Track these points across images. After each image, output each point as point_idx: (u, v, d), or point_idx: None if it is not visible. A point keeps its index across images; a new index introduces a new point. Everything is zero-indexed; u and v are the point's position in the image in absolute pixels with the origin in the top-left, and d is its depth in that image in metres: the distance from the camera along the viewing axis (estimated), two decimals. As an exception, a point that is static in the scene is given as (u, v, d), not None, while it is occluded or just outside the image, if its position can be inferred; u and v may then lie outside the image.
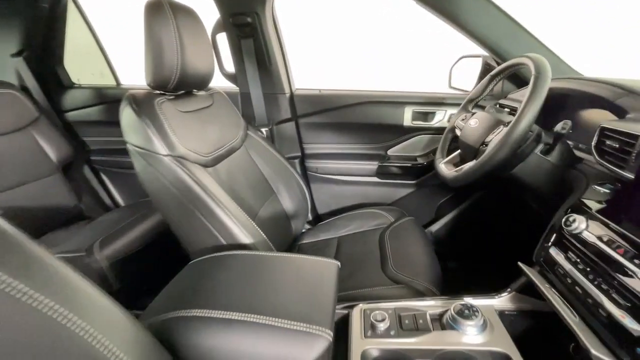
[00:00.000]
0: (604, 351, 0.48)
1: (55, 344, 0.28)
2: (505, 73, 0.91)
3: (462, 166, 0.88)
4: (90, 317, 0.31)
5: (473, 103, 1.03)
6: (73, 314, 0.29)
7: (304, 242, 1.22)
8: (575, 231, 0.58)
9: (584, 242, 0.56)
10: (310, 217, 1.33)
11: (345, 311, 0.74)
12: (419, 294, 0.83)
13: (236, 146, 1.06)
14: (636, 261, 0.47)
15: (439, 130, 1.32)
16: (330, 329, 0.51)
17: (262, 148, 1.16)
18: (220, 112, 1.04)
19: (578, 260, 0.56)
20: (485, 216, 1.34)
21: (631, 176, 0.55)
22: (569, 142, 0.79)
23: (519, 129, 0.70)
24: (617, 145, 0.61)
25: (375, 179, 1.43)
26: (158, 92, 0.87)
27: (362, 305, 0.73)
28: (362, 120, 1.36)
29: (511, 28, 1.04)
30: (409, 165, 1.38)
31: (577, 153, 0.78)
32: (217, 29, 1.25)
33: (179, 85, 0.85)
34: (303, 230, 1.31)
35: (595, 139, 0.66)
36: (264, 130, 1.34)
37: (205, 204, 0.77)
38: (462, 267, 1.34)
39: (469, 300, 0.69)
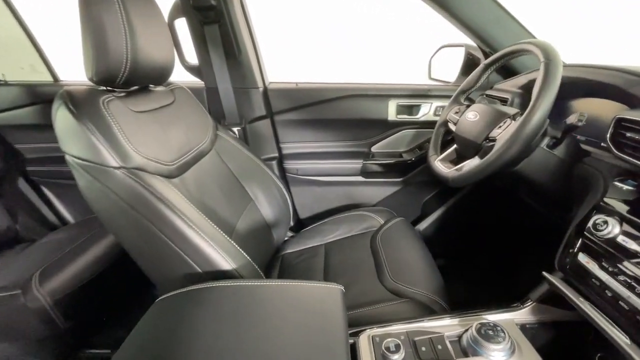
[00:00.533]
0: None
1: None
2: (503, 61, 0.85)
3: (463, 164, 0.81)
4: None
5: (465, 95, 0.96)
6: None
7: (288, 251, 1.11)
8: (609, 235, 0.52)
9: (621, 249, 0.50)
10: (292, 223, 1.20)
11: (351, 340, 0.63)
12: (426, 309, 0.75)
13: (205, 150, 0.91)
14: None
15: (425, 124, 1.25)
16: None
17: (235, 150, 1.02)
18: (183, 111, 0.88)
19: (615, 270, 0.50)
20: (474, 212, 1.30)
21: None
22: (575, 136, 0.75)
23: (532, 122, 0.63)
24: (637, 136, 0.56)
25: (360, 178, 1.34)
26: (103, 88, 0.70)
27: (369, 332, 0.63)
28: (344, 116, 1.25)
29: (500, 16, 0.99)
30: (394, 162, 1.30)
31: (584, 147, 0.73)
32: (175, 13, 1.07)
33: (130, 79, 0.69)
34: (285, 239, 1.19)
35: (610, 130, 0.60)
36: (235, 129, 1.19)
37: (172, 224, 0.62)
38: (454, 267, 1.29)
39: (488, 317, 0.62)
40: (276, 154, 1.31)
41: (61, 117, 0.62)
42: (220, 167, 0.96)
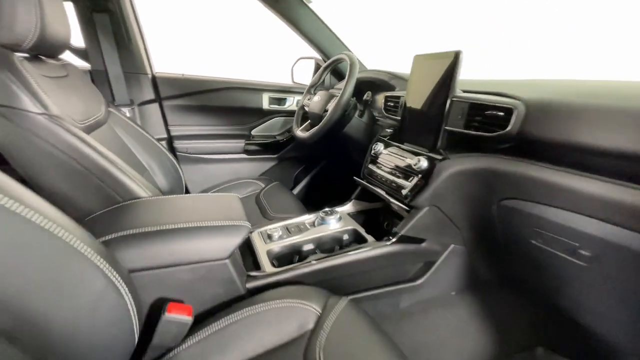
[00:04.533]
0: (403, 212, 0.89)
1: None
2: (332, 65, 1.32)
3: (313, 129, 1.22)
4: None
5: (313, 88, 1.40)
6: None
7: None
8: (378, 153, 1.00)
9: (385, 156, 0.98)
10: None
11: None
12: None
13: (101, 121, 1.03)
14: (408, 160, 0.89)
15: (291, 113, 1.66)
16: (245, 219, 0.70)
17: (129, 126, 1.15)
18: (77, 84, 0.99)
19: (384, 168, 0.97)
20: (329, 175, 1.78)
21: (399, 118, 1.01)
22: (372, 109, 1.27)
23: (343, 99, 1.09)
24: (392, 104, 1.08)
25: (243, 156, 1.63)
26: (6, 50, 0.78)
27: (258, 230, 0.95)
28: (227, 104, 1.54)
29: (330, 35, 1.49)
30: (270, 142, 1.66)
31: (376, 115, 1.26)
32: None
33: (35, 46, 0.80)
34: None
35: (382, 104, 1.12)
36: (126, 110, 1.30)
37: (97, 163, 0.78)
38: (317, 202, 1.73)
39: (328, 208, 1.02)
40: (165, 135, 1.47)
41: None
42: (116, 138, 1.09)
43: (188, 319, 0.57)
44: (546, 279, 0.76)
